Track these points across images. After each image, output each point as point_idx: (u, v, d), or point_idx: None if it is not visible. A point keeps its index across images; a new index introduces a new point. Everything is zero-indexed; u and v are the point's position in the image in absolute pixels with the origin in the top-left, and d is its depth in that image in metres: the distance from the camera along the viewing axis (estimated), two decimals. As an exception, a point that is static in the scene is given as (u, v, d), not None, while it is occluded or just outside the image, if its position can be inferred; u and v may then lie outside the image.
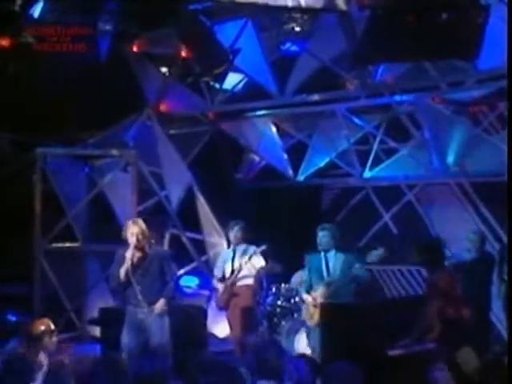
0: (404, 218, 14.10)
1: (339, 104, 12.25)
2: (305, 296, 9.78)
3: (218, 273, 10.57)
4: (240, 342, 9.72)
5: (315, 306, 9.46)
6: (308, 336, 10.00)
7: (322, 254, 9.64)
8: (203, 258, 12.94)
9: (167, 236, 12.55)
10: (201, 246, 13.06)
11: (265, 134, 13.58)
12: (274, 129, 13.54)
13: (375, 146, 12.88)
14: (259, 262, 10.42)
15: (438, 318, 7.75)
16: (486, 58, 9.60)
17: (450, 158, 11.97)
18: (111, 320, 9.84)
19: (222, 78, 12.53)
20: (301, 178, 13.70)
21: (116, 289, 9.03)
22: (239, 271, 10.29)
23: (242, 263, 10.28)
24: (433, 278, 7.92)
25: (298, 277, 11.80)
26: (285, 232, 13.57)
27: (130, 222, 8.73)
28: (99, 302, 11.67)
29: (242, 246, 10.42)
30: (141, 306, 8.51)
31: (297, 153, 13.65)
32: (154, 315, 8.50)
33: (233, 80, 12.78)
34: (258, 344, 5.98)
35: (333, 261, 9.61)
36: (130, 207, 11.52)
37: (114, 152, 11.77)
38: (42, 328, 7.19)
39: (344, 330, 8.07)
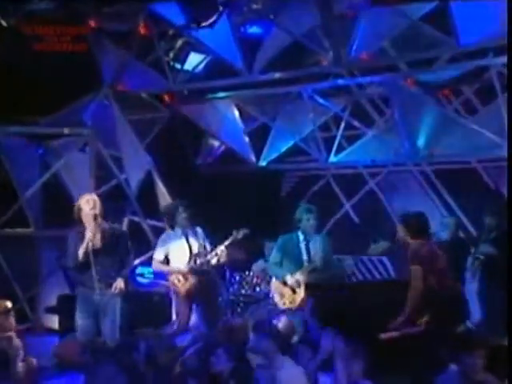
0: (366, 206, 13.83)
1: (306, 85, 11.83)
2: (287, 279, 9.18)
3: (158, 255, 9.55)
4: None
5: (294, 289, 9.04)
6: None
7: (302, 236, 9.19)
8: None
9: (125, 222, 11.89)
10: (160, 234, 12.44)
11: (226, 117, 13.11)
12: (236, 112, 13.06)
13: (341, 130, 12.52)
14: (222, 247, 9.81)
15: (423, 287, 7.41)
16: (468, 33, 9.33)
17: (421, 142, 11.63)
18: (72, 308, 9.19)
19: (182, 57, 12.06)
20: (263, 163, 13.25)
21: (72, 271, 8.47)
22: (205, 257, 9.60)
23: (207, 248, 9.60)
24: (414, 247, 7.56)
25: (259, 265, 11.44)
26: (245, 219, 13.07)
27: (84, 200, 8.19)
28: (55, 291, 11.12)
29: (191, 228, 9.61)
30: (97, 288, 8.03)
31: (261, 136, 13.19)
32: (108, 297, 8.08)
33: (194, 61, 12.24)
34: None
35: (314, 245, 9.19)
36: (88, 190, 10.82)
37: (71, 131, 11.11)
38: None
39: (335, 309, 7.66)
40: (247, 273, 11.34)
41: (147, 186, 12.14)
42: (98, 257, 8.03)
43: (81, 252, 7.96)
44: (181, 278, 9.46)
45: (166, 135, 12.87)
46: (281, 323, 6.29)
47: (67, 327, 9.21)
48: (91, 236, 7.96)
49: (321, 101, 12.23)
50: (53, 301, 10.97)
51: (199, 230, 9.60)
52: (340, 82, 11.68)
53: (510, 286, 6.03)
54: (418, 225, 7.79)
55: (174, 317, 10.46)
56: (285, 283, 9.18)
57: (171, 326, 9.66)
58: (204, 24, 9.83)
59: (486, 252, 10.24)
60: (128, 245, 8.34)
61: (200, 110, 13.00)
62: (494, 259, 10.16)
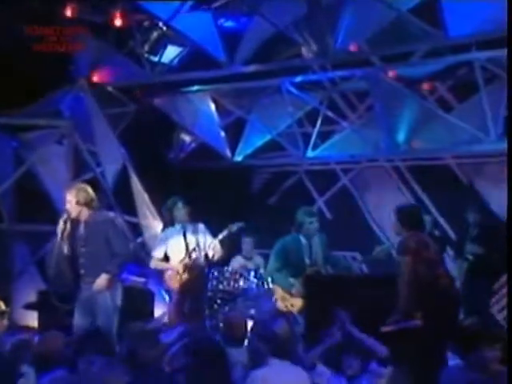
0: (338, 202, 13.73)
1: (285, 78, 11.69)
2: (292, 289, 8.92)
3: (158, 253, 9.48)
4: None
5: (292, 295, 8.80)
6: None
7: (303, 240, 8.90)
8: (138, 241, 12.10)
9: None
10: (134, 229, 12.22)
11: (202, 111, 12.88)
12: (212, 105, 12.85)
13: (318, 124, 12.39)
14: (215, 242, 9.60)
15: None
16: (457, 26, 9.29)
17: (401, 136, 11.55)
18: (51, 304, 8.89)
19: (159, 49, 11.90)
20: (238, 158, 13.06)
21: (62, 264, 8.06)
22: (200, 252, 9.41)
23: (206, 243, 9.42)
24: (403, 239, 7.45)
25: (237, 261, 11.29)
26: (217, 215, 12.91)
27: (70, 189, 7.88)
28: (30, 288, 10.79)
29: (190, 224, 9.49)
30: (86, 282, 7.65)
31: (237, 131, 13.01)
32: (97, 294, 7.60)
33: (171, 53, 12.05)
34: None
35: (315, 247, 8.95)
36: (65, 184, 10.54)
37: (48, 122, 10.79)
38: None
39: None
40: (225, 268, 11.14)
41: (123, 181, 11.90)
42: (84, 248, 7.65)
43: (64, 243, 7.63)
44: (175, 274, 9.33)
45: (138, 129, 12.63)
46: (278, 327, 6.05)
47: (47, 324, 8.95)
48: (61, 228, 7.61)
49: (299, 94, 12.06)
50: (27, 297, 10.66)
51: (201, 225, 9.45)
52: (321, 75, 11.56)
53: (510, 286, 5.93)
54: (409, 218, 7.66)
55: (157, 312, 10.31)
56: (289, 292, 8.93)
57: (156, 322, 9.45)
58: None
59: (474, 252, 10.26)
60: (119, 235, 7.87)
61: (175, 103, 12.79)
62: (481, 258, 10.19)
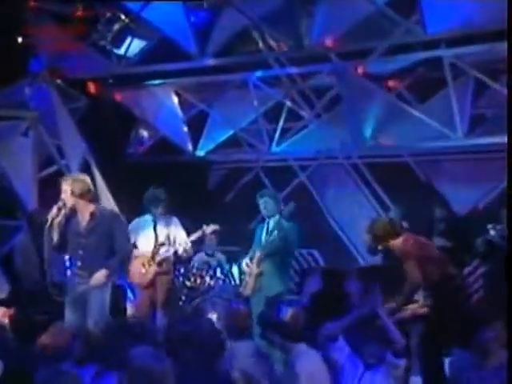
0: (296, 199, 13.65)
1: (251, 72, 11.60)
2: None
3: None
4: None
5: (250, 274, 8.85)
6: None
7: (270, 222, 8.97)
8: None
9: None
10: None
11: (164, 105, 12.68)
12: (175, 98, 12.65)
13: (282, 118, 12.30)
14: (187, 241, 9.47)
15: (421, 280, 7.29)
16: (435, 21, 9.35)
17: (367, 132, 11.55)
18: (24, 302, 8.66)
19: (121, 42, 11.76)
20: (200, 153, 12.89)
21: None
22: (171, 246, 9.27)
23: (177, 238, 9.29)
24: (398, 245, 7.43)
25: (200, 257, 11.17)
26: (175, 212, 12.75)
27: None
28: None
29: (163, 216, 9.35)
30: (80, 276, 7.34)
31: (199, 125, 12.84)
32: (93, 288, 7.28)
33: (136, 45, 11.87)
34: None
35: (272, 226, 8.93)
36: (29, 177, 10.28)
37: (13, 113, 10.48)
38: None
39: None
40: (191, 265, 11.00)
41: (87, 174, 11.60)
42: (84, 240, 7.35)
43: (54, 231, 7.33)
44: (140, 266, 9.14)
45: (95, 124, 12.38)
46: (286, 315, 6.01)
47: (22, 322, 8.63)
48: (53, 215, 7.32)
49: (266, 89, 11.97)
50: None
51: (175, 219, 9.33)
52: (287, 70, 11.48)
53: (510, 286, 6.01)
54: (385, 229, 7.63)
55: (130, 309, 10.11)
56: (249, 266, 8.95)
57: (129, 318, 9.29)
58: None
59: (442, 245, 10.34)
60: (124, 232, 7.63)
61: (137, 97, 12.59)
62: (449, 251, 10.28)
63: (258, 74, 11.67)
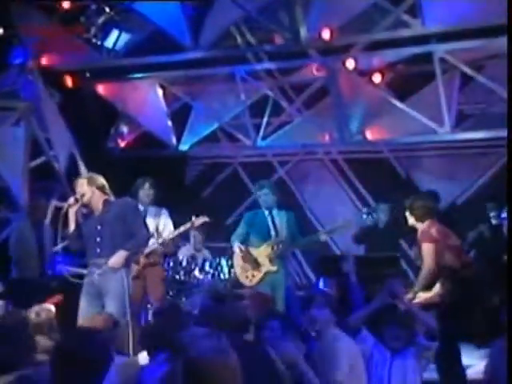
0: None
1: (239, 65, 11.58)
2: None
3: None
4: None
5: (258, 264, 8.92)
6: None
7: (266, 212, 9.11)
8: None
9: (52, 206, 10.99)
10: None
11: (148, 98, 12.55)
12: (160, 92, 12.53)
13: (267, 112, 12.28)
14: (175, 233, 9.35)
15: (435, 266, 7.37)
16: (433, 16, 9.45)
17: (354, 126, 11.61)
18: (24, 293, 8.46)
19: (106, 34, 11.59)
20: (184, 147, 12.80)
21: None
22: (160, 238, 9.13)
23: (165, 230, 9.19)
24: (423, 228, 7.52)
25: (185, 252, 11.10)
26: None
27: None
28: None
29: (153, 207, 9.26)
30: (97, 265, 7.22)
31: (183, 119, 12.73)
32: (111, 275, 7.13)
33: (122, 38, 11.73)
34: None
35: (278, 219, 9.08)
36: (20, 168, 10.11)
37: (5, 104, 10.31)
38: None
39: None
40: (181, 258, 10.93)
41: (74, 166, 11.50)
42: (100, 226, 7.26)
43: (72, 221, 7.28)
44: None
45: (75, 116, 12.22)
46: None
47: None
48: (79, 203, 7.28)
49: (253, 82, 11.95)
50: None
51: (164, 211, 9.24)
52: (277, 64, 11.49)
53: (510, 286, 6.11)
54: (423, 207, 7.72)
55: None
56: (249, 254, 8.97)
57: None
58: None
59: None
60: (138, 217, 7.60)
61: (119, 89, 12.45)
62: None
63: (247, 67, 11.64)
